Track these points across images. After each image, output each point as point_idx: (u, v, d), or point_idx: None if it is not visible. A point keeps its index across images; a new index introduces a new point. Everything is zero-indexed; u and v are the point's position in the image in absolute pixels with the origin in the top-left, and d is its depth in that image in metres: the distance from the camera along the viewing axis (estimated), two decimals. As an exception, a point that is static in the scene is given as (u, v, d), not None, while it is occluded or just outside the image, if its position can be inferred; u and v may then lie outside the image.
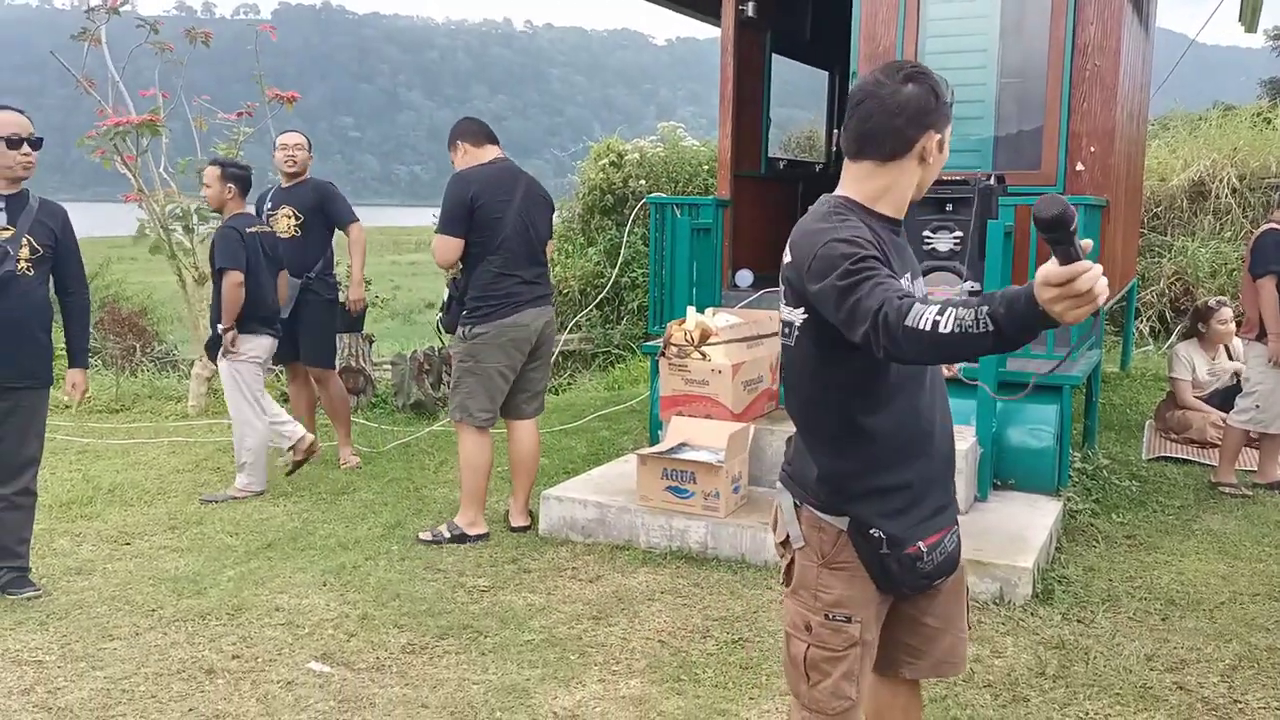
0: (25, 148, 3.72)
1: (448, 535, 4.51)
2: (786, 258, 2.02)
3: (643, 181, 11.86)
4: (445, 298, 4.62)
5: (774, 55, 7.28)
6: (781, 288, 2.06)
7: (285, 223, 5.67)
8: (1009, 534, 4.24)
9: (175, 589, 3.93)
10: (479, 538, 4.53)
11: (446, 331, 4.69)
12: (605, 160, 12.32)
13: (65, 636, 3.50)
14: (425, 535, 4.54)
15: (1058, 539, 4.48)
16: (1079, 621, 3.71)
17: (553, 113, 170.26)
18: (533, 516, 4.73)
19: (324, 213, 5.75)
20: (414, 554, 4.36)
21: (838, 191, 2.08)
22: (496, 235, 4.40)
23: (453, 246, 4.38)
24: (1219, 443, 6.02)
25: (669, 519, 4.46)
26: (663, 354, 5.02)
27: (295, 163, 5.76)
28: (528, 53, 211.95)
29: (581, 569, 4.23)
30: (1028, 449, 4.81)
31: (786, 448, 2.21)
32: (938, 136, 2.00)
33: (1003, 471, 4.83)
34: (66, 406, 7.25)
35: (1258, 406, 5.21)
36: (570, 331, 11.57)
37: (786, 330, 2.07)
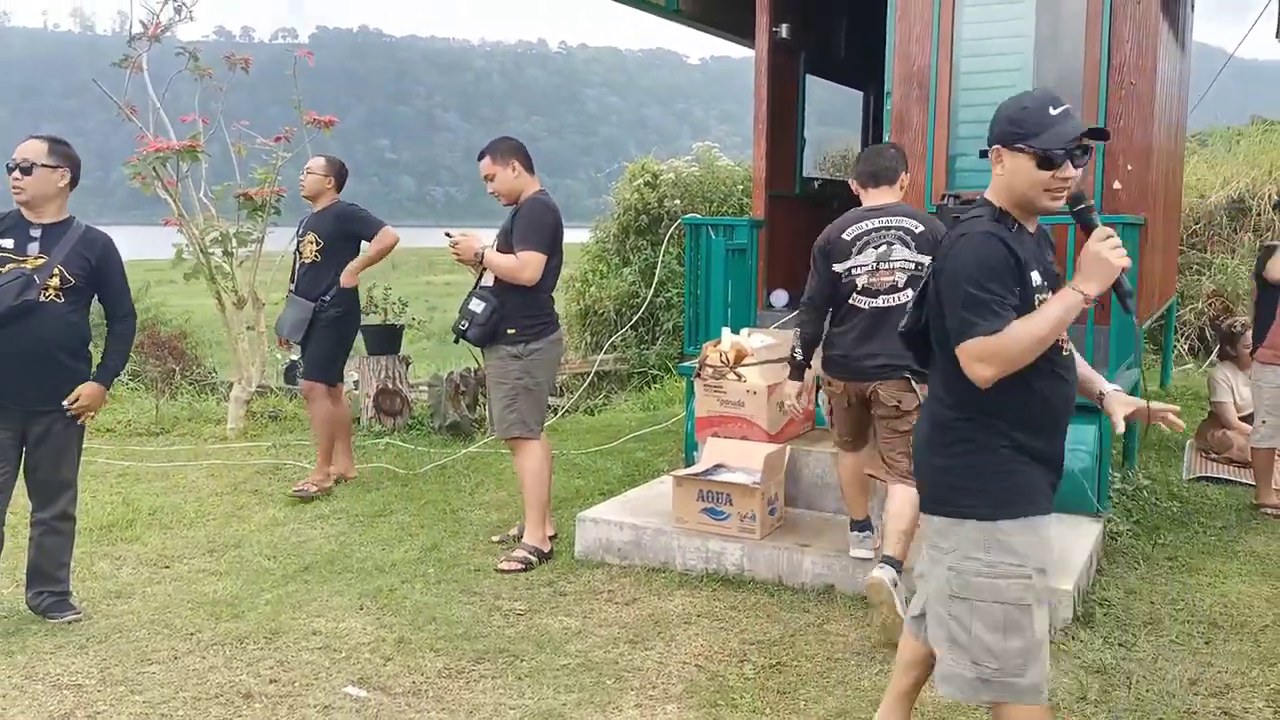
0: (17, 173, 3.76)
1: (535, 559, 4.54)
2: None
3: (677, 201, 11.90)
4: (475, 310, 4.56)
5: (808, 76, 7.30)
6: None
7: (309, 249, 5.73)
8: (1048, 557, 4.18)
9: (213, 612, 3.98)
10: (552, 553, 4.66)
11: (476, 344, 4.72)
12: (640, 180, 12.38)
13: (105, 660, 3.55)
14: (507, 565, 4.48)
15: (1098, 561, 4.41)
16: (1120, 645, 3.65)
17: (587, 133, 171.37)
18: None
19: (347, 235, 5.78)
20: (450, 577, 4.39)
21: None
22: (556, 258, 4.64)
23: (543, 265, 4.52)
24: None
25: (705, 541, 4.46)
26: (698, 375, 5.02)
27: (304, 187, 5.84)
28: (562, 73, 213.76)
29: (618, 591, 4.24)
30: (1066, 470, 4.72)
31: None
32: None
33: (1041, 493, 4.77)
34: (109, 430, 7.39)
35: (1264, 422, 5.25)
36: (606, 352, 11.63)
37: None
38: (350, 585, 4.28)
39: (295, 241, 5.85)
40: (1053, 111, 2.31)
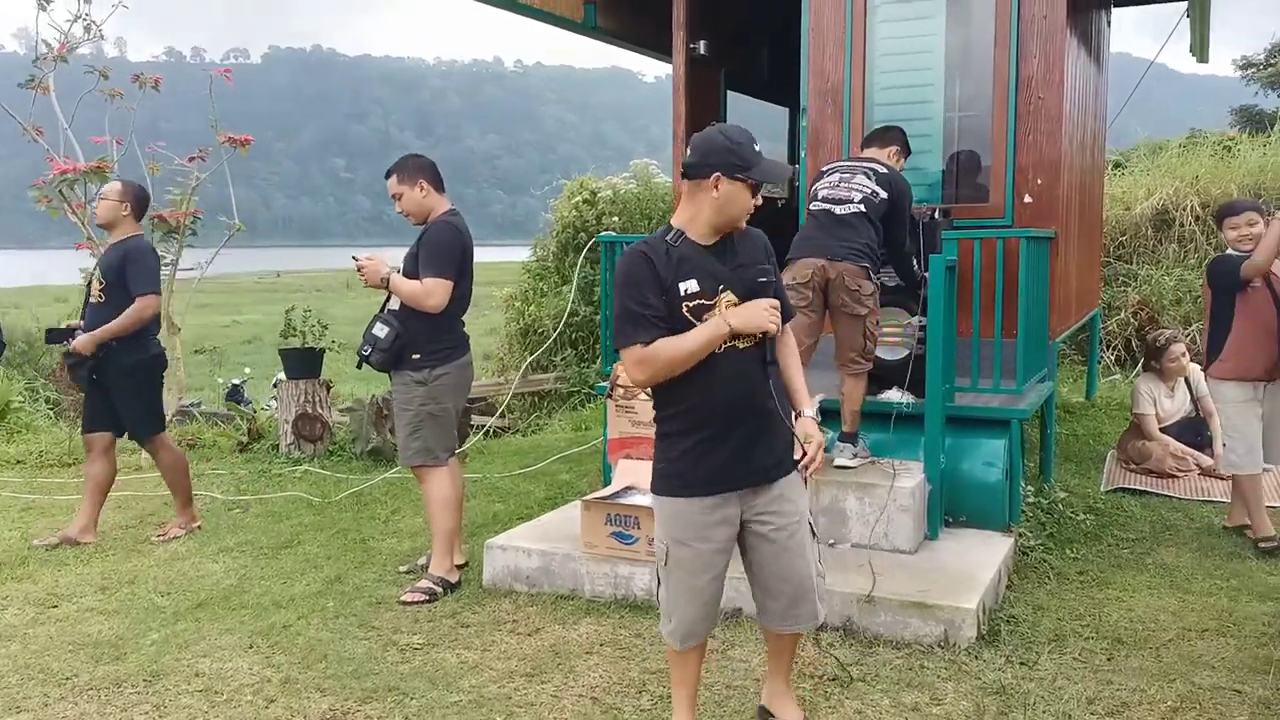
0: None
1: (440, 590, 4.41)
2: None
3: (616, 219, 11.86)
4: (378, 334, 4.43)
5: (731, 92, 7.28)
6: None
7: (95, 287, 5.19)
8: (956, 573, 4.15)
9: (94, 655, 3.82)
10: (459, 583, 4.53)
11: (379, 370, 4.55)
12: (578, 198, 12.33)
13: (-27, 709, 3.38)
14: (410, 597, 4.35)
15: (1008, 577, 4.39)
16: (1022, 664, 3.61)
17: (545, 150, 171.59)
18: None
19: (126, 281, 5.09)
20: (350, 611, 4.26)
21: None
22: (465, 282, 4.51)
23: (449, 291, 4.40)
24: (1177, 473, 5.96)
25: (614, 566, 4.37)
26: (609, 395, 4.95)
27: (97, 215, 5.31)
28: (519, 92, 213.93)
29: (522, 622, 4.13)
30: (977, 484, 4.73)
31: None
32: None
33: (954, 508, 4.75)
34: (19, 462, 7.16)
35: (1228, 445, 4.93)
36: (546, 371, 11.52)
37: None
38: (243, 623, 4.13)
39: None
40: (756, 148, 2.79)
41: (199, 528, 5.48)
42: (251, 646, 3.89)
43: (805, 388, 2.95)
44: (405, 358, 4.45)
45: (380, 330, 4.46)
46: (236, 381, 12.99)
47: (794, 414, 2.88)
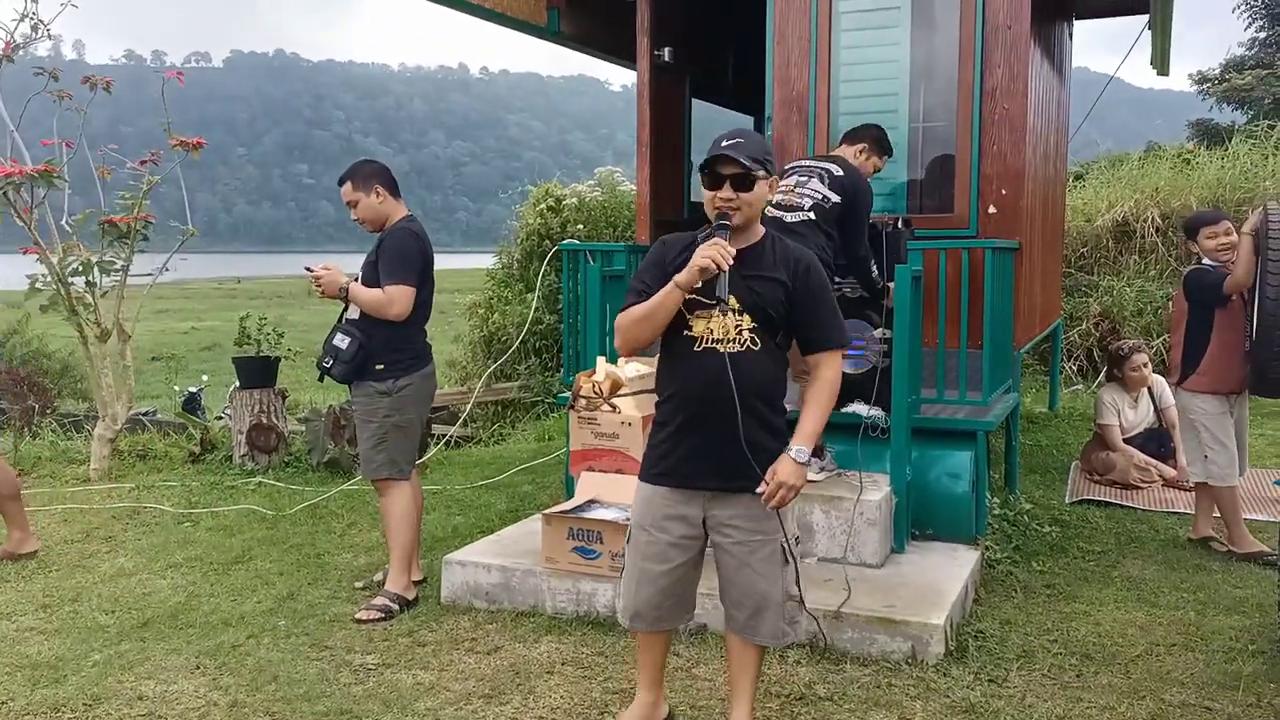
0: None
1: (396, 608, 4.28)
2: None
3: (580, 226, 11.76)
4: (340, 346, 4.30)
5: (696, 100, 7.23)
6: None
7: None
8: (923, 588, 4.09)
9: (32, 677, 3.65)
10: (416, 600, 4.41)
11: (341, 382, 4.42)
12: (543, 205, 12.22)
13: (-100, 737, 3.21)
14: (365, 614, 4.22)
15: (975, 591, 4.34)
16: (991, 681, 3.55)
17: (510, 158, 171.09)
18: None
19: None
20: (302, 629, 4.11)
21: None
22: (427, 290, 4.40)
23: (412, 298, 4.28)
24: (1141, 484, 5.96)
25: (576, 582, 4.26)
26: (571, 406, 4.85)
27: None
28: (485, 99, 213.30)
29: (481, 640, 4.01)
30: (943, 497, 4.68)
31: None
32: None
33: (920, 521, 4.70)
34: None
35: (1208, 457, 4.84)
36: (510, 379, 11.39)
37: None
38: (190, 642, 3.97)
39: None
40: (724, 141, 2.79)
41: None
42: (198, 668, 3.74)
43: (809, 428, 2.83)
44: (368, 368, 4.32)
45: (341, 341, 4.32)
46: (194, 389, 12.73)
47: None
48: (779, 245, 2.90)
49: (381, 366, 4.32)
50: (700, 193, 2.93)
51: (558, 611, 4.25)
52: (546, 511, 4.49)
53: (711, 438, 2.82)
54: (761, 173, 2.80)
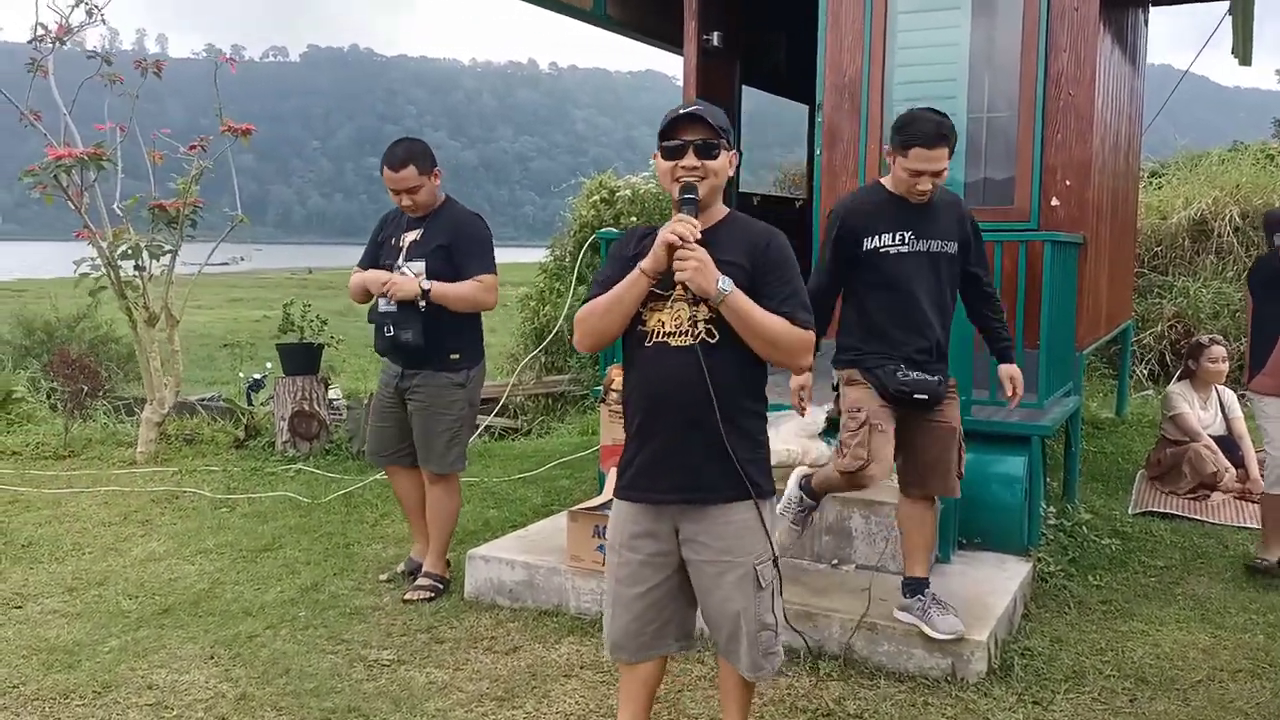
0: None
1: (441, 587, 4.33)
2: None
3: (634, 219, 11.60)
4: (410, 327, 4.06)
5: (746, 87, 7.02)
6: None
7: None
8: (967, 601, 3.85)
9: (47, 661, 3.62)
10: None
11: (411, 355, 4.15)
12: (596, 197, 12.09)
13: (-90, 718, 3.19)
14: (414, 594, 4.25)
15: (1025, 605, 4.09)
16: (1035, 703, 3.32)
17: (577, 153, 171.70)
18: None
19: None
20: (322, 621, 4.03)
21: None
22: None
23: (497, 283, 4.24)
24: (1215, 480, 5.64)
25: (600, 582, 4.09)
26: (603, 400, 4.70)
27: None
28: (552, 94, 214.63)
29: (500, 639, 3.88)
30: (993, 504, 4.42)
31: None
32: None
33: (968, 529, 4.45)
34: (14, 454, 7.02)
35: (1265, 461, 4.59)
36: (562, 372, 11.29)
37: None
38: (207, 631, 3.91)
39: None
40: (681, 110, 2.56)
41: None
42: (212, 657, 3.67)
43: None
44: (442, 357, 4.19)
45: (411, 317, 4.09)
46: (257, 375, 12.90)
47: None
48: (740, 224, 2.59)
49: (458, 356, 4.22)
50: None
51: (581, 612, 4.10)
52: (572, 509, 4.35)
53: (668, 445, 2.53)
54: (724, 142, 2.52)
